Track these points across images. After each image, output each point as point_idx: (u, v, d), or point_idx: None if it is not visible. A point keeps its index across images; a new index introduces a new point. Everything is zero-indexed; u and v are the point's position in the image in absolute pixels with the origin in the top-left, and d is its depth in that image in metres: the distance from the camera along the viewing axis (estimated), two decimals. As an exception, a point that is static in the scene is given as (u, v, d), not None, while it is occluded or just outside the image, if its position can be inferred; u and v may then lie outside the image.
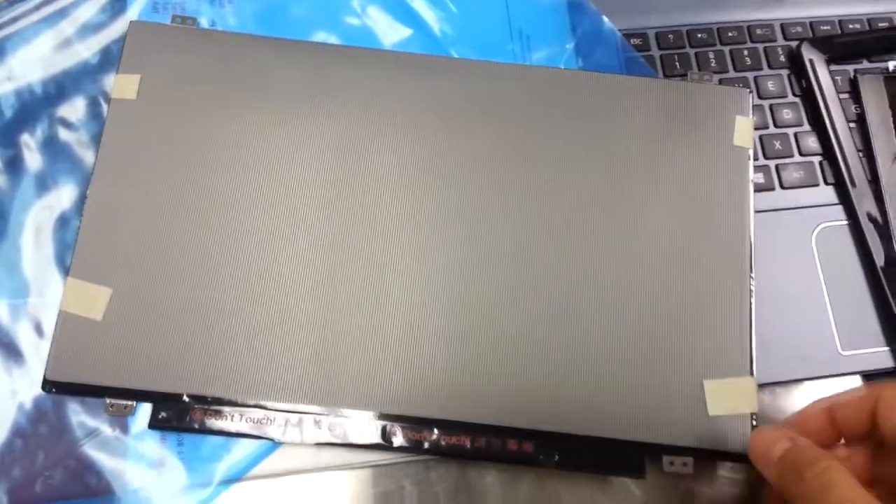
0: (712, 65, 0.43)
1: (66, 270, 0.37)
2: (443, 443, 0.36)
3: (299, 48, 0.41)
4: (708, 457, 0.36)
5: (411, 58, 0.41)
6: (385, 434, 0.36)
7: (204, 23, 0.43)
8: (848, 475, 0.26)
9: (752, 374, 0.37)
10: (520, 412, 0.36)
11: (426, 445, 0.36)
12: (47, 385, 0.35)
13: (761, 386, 0.38)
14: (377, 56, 0.41)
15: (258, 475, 0.37)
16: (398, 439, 0.36)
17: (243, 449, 0.37)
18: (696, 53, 0.43)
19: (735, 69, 0.44)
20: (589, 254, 0.38)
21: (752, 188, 0.39)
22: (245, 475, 0.36)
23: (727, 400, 0.37)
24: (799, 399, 0.39)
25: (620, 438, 0.36)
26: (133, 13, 0.43)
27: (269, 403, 0.36)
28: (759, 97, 0.43)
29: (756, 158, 0.42)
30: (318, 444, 0.36)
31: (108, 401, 0.36)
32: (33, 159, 0.40)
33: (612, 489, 0.37)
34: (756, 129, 0.43)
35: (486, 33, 0.44)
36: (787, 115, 0.43)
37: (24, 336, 0.37)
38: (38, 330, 0.38)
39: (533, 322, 0.37)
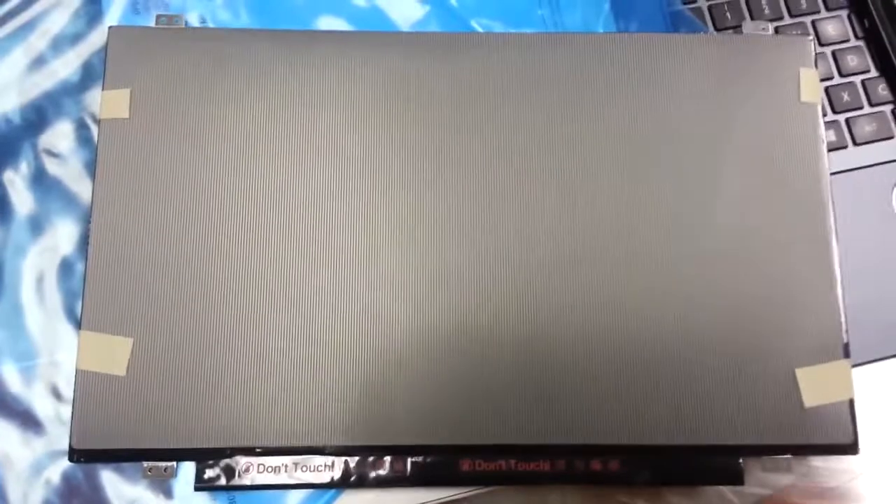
0: (766, 12, 0.39)
1: (77, 323, 0.33)
2: (519, 469, 0.33)
3: (303, 39, 0.36)
4: (809, 452, 0.33)
5: (431, 38, 0.36)
6: (455, 467, 0.33)
7: (193, 20, 0.38)
8: None
9: (847, 355, 0.33)
10: (599, 428, 0.33)
11: (501, 475, 0.33)
12: (75, 454, 0.32)
13: (856, 366, 0.35)
14: (393, 40, 0.36)
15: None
16: (469, 471, 0.33)
17: (297, 497, 0.34)
18: (747, 1, 0.39)
19: (790, 15, 0.39)
20: (652, 240, 0.34)
21: (825, 148, 0.36)
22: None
23: (823, 388, 0.33)
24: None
25: (712, 444, 0.33)
26: (112, 18, 0.37)
27: (324, 446, 0.32)
28: (820, 44, 0.39)
29: (824, 114, 0.38)
30: (384, 486, 0.32)
31: (145, 464, 0.32)
32: (21, 199, 0.35)
33: (708, 500, 0.34)
34: (820, 80, 0.38)
35: (511, -1, 0.39)
36: (851, 61, 0.39)
37: (40, 403, 0.33)
38: (56, 394, 0.34)
39: (601, 327, 0.33)
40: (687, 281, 0.34)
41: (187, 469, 0.33)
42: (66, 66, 0.37)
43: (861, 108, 0.39)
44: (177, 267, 0.33)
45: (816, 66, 0.36)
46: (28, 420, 0.33)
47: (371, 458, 0.33)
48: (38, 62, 0.37)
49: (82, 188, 0.36)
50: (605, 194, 0.35)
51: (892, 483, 0.35)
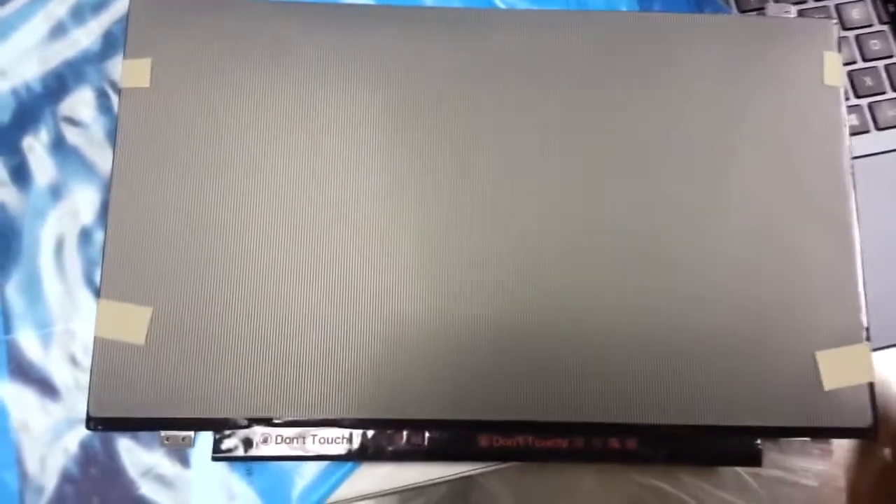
0: (790, -6, 0.39)
1: (96, 291, 0.33)
2: (537, 446, 0.33)
3: (326, 12, 0.36)
4: (827, 435, 0.33)
5: (455, 13, 0.36)
6: (473, 442, 0.33)
7: (215, -10, 0.38)
8: None
9: (867, 339, 0.33)
10: (618, 407, 0.33)
11: (519, 451, 0.33)
12: (92, 422, 0.32)
13: (876, 350, 0.35)
14: (416, 14, 0.36)
15: (341, 500, 0.33)
16: (487, 446, 0.33)
17: (313, 469, 0.33)
18: (772, -17, 0.39)
19: (814, -3, 0.39)
20: (672, 221, 0.34)
21: (847, 131, 0.35)
22: (327, 499, 0.33)
23: (843, 371, 0.33)
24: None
25: (730, 425, 0.33)
26: (133, -14, 0.37)
27: (342, 419, 0.32)
28: (843, 28, 0.39)
29: (846, 98, 0.38)
30: (401, 459, 0.32)
31: (162, 434, 0.32)
32: (41, 166, 0.35)
33: (723, 481, 0.34)
34: (843, 64, 0.38)
35: (534, -24, 0.39)
36: (875, 46, 0.39)
37: (57, 370, 0.33)
38: (73, 361, 0.34)
39: (622, 307, 0.33)
40: (707, 263, 0.34)
41: (205, 439, 0.33)
42: (88, 35, 0.37)
43: (884, 92, 0.39)
44: (196, 237, 0.33)
45: (840, 49, 0.36)
46: (46, 387, 0.33)
47: (389, 432, 0.33)
48: (59, 30, 0.37)
49: (101, 155, 0.36)
50: (628, 172, 0.35)
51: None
